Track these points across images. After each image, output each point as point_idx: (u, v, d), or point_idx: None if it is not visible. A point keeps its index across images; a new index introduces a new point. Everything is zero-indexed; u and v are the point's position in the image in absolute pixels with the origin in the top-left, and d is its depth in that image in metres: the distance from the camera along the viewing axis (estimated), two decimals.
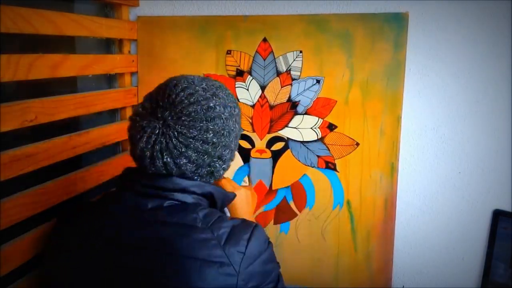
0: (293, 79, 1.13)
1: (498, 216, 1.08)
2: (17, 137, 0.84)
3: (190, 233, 0.66)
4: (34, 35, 0.83)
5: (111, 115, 1.21)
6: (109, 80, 1.21)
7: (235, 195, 0.84)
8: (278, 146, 1.16)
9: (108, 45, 1.21)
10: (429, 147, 1.11)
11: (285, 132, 1.15)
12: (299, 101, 1.13)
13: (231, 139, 0.74)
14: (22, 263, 0.81)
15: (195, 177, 0.73)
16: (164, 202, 0.70)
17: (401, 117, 1.09)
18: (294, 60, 1.12)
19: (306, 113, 1.13)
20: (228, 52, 1.15)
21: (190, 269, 0.63)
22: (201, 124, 0.69)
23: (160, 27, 1.18)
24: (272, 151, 1.16)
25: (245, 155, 1.18)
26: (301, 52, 1.11)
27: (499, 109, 1.05)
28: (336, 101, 1.11)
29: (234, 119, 0.75)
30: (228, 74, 1.16)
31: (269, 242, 0.73)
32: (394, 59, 1.07)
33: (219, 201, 0.77)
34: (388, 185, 1.12)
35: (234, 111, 0.76)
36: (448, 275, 1.15)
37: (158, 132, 0.68)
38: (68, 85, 1.09)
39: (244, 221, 0.73)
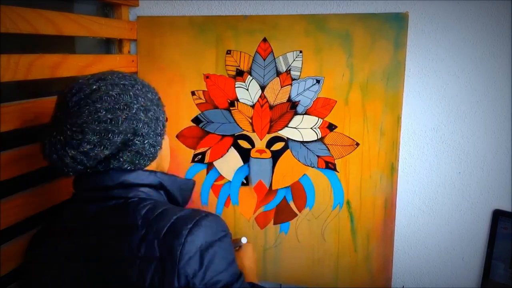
0: (293, 79, 1.13)
1: (498, 216, 1.07)
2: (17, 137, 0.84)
3: (130, 233, 0.65)
4: (34, 35, 0.83)
5: None
6: None
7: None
8: (278, 146, 1.16)
9: (108, 45, 1.21)
10: (429, 147, 1.11)
11: (285, 132, 1.15)
12: (299, 101, 1.13)
13: (134, 111, 0.70)
14: (22, 263, 0.81)
15: (128, 166, 0.72)
16: (108, 202, 0.70)
17: (401, 117, 1.09)
18: (294, 60, 1.12)
19: (306, 113, 1.13)
20: (228, 52, 1.15)
21: (130, 270, 0.62)
22: (88, 107, 0.67)
23: (160, 27, 1.18)
24: (272, 151, 1.16)
25: (245, 155, 1.18)
26: (301, 52, 1.11)
27: (499, 109, 1.05)
28: (336, 101, 1.11)
29: (131, 93, 0.71)
30: (228, 74, 1.16)
31: (224, 236, 0.68)
32: (394, 59, 1.07)
33: (174, 191, 0.76)
34: (388, 185, 1.12)
35: (132, 87, 0.73)
36: (448, 275, 1.15)
37: (55, 133, 0.68)
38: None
39: (194, 211, 0.69)
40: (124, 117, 0.69)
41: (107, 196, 0.70)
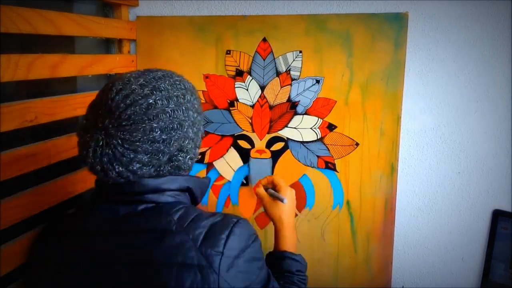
0: (292, 79, 1.13)
1: (497, 216, 1.08)
2: (17, 137, 0.84)
3: (164, 239, 0.64)
4: (34, 35, 0.83)
5: None
6: None
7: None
8: (278, 146, 1.16)
9: (108, 45, 1.21)
10: (429, 147, 1.11)
11: (285, 132, 1.15)
12: (299, 101, 1.13)
13: (185, 129, 0.70)
14: (22, 263, 0.81)
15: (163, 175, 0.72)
16: (137, 207, 0.69)
17: (401, 117, 1.09)
18: (293, 60, 1.12)
19: (305, 113, 1.13)
20: (228, 52, 1.15)
21: (168, 276, 0.62)
22: (144, 125, 0.64)
23: (160, 27, 1.18)
24: (272, 151, 1.16)
25: (245, 155, 1.18)
26: (300, 52, 1.11)
27: (499, 109, 1.05)
28: (336, 101, 1.11)
29: (183, 108, 0.70)
30: (228, 74, 1.16)
31: (255, 238, 0.70)
32: (394, 59, 1.07)
33: (197, 191, 0.76)
34: (388, 185, 1.12)
35: (184, 98, 0.71)
36: (448, 275, 1.15)
37: (102, 143, 0.65)
38: (68, 85, 1.09)
39: (225, 217, 0.70)
40: (177, 137, 0.69)
41: (138, 200, 0.69)
